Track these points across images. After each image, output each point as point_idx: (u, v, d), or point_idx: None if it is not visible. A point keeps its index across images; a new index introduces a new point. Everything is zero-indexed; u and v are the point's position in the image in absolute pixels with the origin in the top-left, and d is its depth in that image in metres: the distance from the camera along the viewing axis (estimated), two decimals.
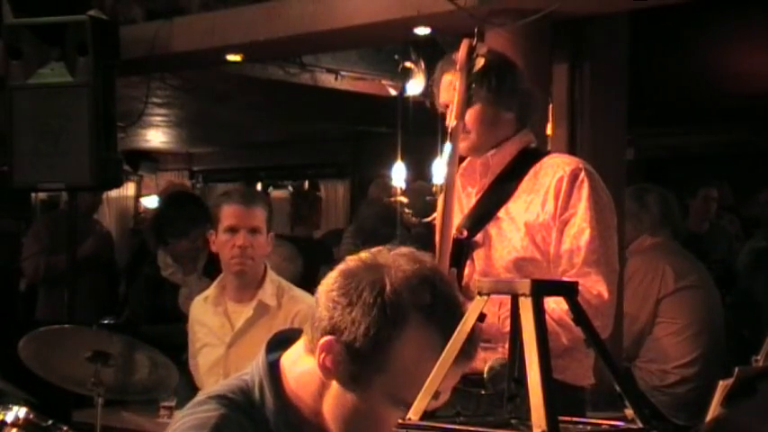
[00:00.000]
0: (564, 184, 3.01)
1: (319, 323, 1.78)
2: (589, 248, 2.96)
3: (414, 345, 1.74)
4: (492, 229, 3.09)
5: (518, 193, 3.08)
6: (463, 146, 3.10)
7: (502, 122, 3.14)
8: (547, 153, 3.22)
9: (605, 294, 2.94)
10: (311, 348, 1.80)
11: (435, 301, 1.75)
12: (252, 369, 1.87)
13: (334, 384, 1.79)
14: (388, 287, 1.74)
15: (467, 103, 3.04)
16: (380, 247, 1.82)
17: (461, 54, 3.03)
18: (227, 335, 3.88)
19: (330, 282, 1.79)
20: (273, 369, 1.85)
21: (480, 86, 3.06)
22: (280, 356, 1.87)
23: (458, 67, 3.04)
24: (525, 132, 3.18)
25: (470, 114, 3.09)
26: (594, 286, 2.95)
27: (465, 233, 3.08)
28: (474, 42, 3.03)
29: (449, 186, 3.00)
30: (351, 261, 1.80)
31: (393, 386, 1.75)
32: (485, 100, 3.10)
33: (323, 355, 1.77)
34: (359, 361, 1.75)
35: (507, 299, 1.50)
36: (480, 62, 3.02)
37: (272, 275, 3.89)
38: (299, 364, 1.84)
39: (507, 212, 3.08)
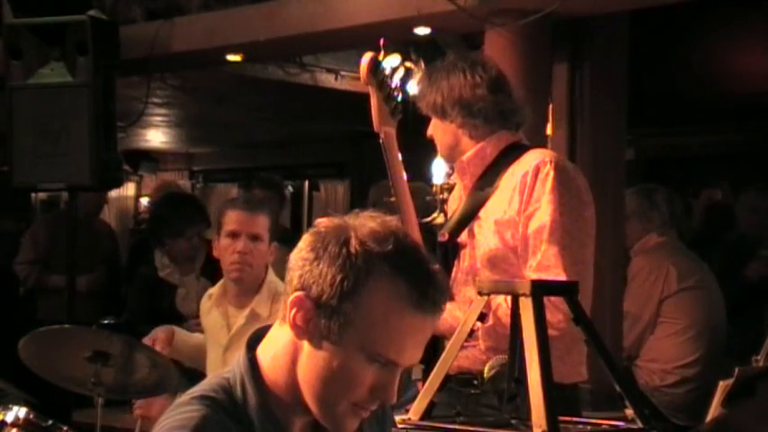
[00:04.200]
0: (528, 179, 3.01)
1: (290, 285, 1.82)
2: (550, 242, 2.95)
3: (381, 295, 1.76)
4: (476, 228, 3.11)
5: (497, 191, 3.09)
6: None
7: (451, 131, 3.14)
8: (528, 148, 3.16)
9: None
10: (284, 315, 1.83)
11: (400, 251, 1.78)
12: (233, 366, 1.90)
13: (306, 346, 1.80)
14: (353, 239, 1.77)
15: (391, 114, 3.09)
16: (351, 213, 1.85)
17: (362, 68, 3.05)
18: (224, 337, 3.89)
19: (300, 244, 1.83)
20: (253, 363, 1.87)
21: (422, 98, 3.12)
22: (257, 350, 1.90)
23: (362, 80, 3.06)
24: (502, 134, 3.14)
25: (431, 125, 3.17)
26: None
27: (446, 236, 3.10)
28: (379, 55, 3.03)
29: (398, 193, 3.05)
30: (320, 224, 1.84)
31: (364, 339, 1.76)
32: (432, 112, 3.15)
33: (293, 312, 1.79)
34: (328, 315, 1.77)
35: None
36: (396, 71, 3.05)
37: (271, 281, 3.87)
38: (272, 343, 1.87)
39: (486, 211, 3.10)
